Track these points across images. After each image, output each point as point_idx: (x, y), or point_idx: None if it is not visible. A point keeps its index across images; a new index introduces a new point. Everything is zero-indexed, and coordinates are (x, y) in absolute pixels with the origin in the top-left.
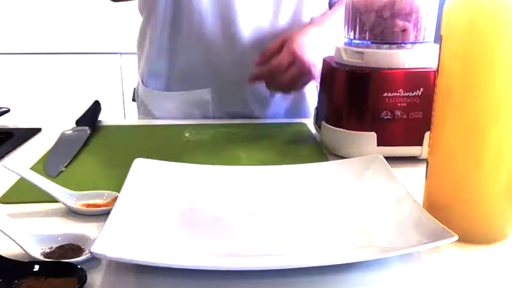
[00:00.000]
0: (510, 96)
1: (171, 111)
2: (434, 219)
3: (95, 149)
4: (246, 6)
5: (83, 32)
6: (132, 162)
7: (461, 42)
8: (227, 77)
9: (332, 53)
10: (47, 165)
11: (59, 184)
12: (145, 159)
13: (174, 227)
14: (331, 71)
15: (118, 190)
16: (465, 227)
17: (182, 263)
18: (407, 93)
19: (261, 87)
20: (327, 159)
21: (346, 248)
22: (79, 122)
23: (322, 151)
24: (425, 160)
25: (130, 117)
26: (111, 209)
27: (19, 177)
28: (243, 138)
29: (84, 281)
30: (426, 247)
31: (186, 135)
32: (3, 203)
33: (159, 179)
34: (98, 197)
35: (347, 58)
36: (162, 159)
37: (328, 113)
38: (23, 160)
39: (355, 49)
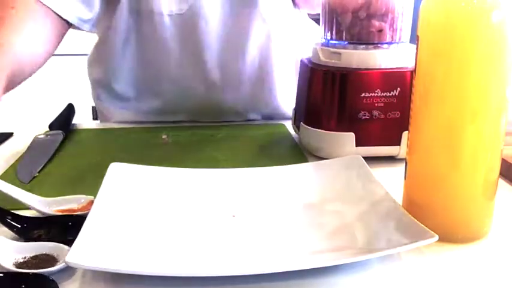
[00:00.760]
0: (485, 96)
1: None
2: (414, 219)
3: (69, 153)
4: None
5: None
6: (107, 166)
7: (437, 42)
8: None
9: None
10: (19, 171)
11: (32, 190)
12: (121, 163)
13: (152, 233)
14: (308, 72)
15: (94, 195)
16: (444, 227)
17: (161, 270)
18: (385, 93)
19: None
20: (306, 160)
21: (327, 250)
22: (52, 126)
23: (301, 152)
24: (404, 160)
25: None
26: (86, 214)
27: None
28: (221, 139)
29: None
30: (407, 248)
31: (163, 137)
32: None
33: (136, 183)
34: (74, 202)
35: (324, 59)
36: (139, 162)
37: (306, 114)
38: None
39: (332, 50)
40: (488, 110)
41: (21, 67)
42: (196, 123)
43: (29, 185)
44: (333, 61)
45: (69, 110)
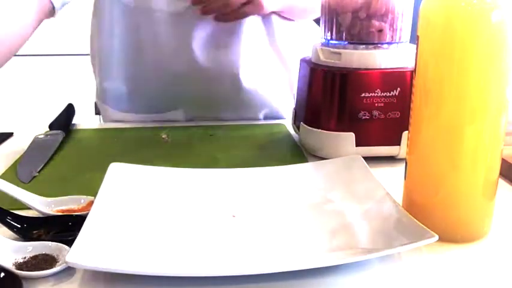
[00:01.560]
0: (485, 96)
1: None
2: (414, 219)
3: (69, 153)
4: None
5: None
6: (107, 166)
7: (437, 42)
8: (194, 99)
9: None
10: (19, 171)
11: (32, 190)
12: (121, 163)
13: (152, 233)
14: (308, 72)
15: (93, 195)
16: (444, 227)
17: (161, 270)
18: (385, 93)
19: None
20: (306, 160)
21: (327, 251)
22: (52, 126)
23: (301, 152)
24: (404, 160)
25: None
26: (86, 214)
27: None
28: (221, 139)
29: None
30: (407, 248)
31: (163, 136)
32: None
33: (136, 183)
34: (74, 202)
35: (324, 59)
36: (139, 162)
37: (306, 114)
38: None
39: (332, 50)
40: (488, 110)
41: None
42: (195, 122)
43: (29, 185)
44: (333, 61)
45: (69, 110)
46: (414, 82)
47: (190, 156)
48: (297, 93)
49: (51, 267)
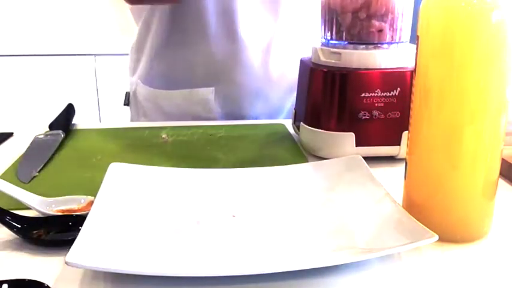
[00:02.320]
0: (485, 96)
1: (171, 111)
2: (415, 219)
3: (69, 153)
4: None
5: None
6: (107, 166)
7: (437, 42)
8: (229, 76)
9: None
10: (19, 171)
11: (32, 190)
12: (121, 163)
13: (152, 233)
14: (308, 72)
15: (94, 195)
16: (444, 227)
17: (161, 270)
18: (385, 93)
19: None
20: (306, 160)
21: (327, 250)
22: (52, 126)
23: (301, 152)
24: (404, 160)
25: (125, 120)
26: (86, 214)
27: None
28: (221, 139)
29: None
30: (407, 248)
31: (163, 136)
32: None
33: (136, 183)
34: (74, 202)
35: (324, 59)
36: (139, 162)
37: (306, 114)
38: None
39: (332, 50)
40: (487, 110)
41: None
42: (196, 122)
43: (29, 185)
44: (333, 61)
45: (69, 110)
46: (414, 82)
47: (190, 156)
48: (297, 93)
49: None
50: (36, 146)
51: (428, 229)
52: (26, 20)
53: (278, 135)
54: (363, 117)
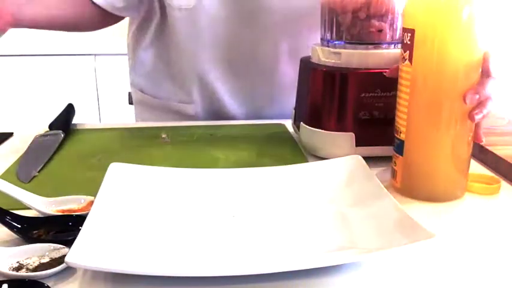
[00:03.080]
0: (459, 77)
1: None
2: (414, 219)
3: (69, 153)
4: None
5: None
6: (107, 166)
7: (420, 31)
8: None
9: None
10: (19, 171)
11: (32, 190)
12: (121, 163)
13: (152, 233)
14: (308, 72)
15: (94, 195)
16: (428, 184)
17: (161, 270)
18: (385, 93)
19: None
20: (306, 160)
21: (327, 250)
22: (52, 126)
23: (301, 152)
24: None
25: (126, 119)
26: (86, 214)
27: None
28: (221, 139)
29: None
30: (406, 248)
31: (163, 136)
32: None
33: (136, 183)
34: (74, 202)
35: (324, 58)
36: (139, 162)
37: (306, 114)
38: None
39: (332, 49)
40: (460, 86)
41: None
42: (196, 122)
43: (29, 185)
44: (333, 61)
45: (69, 110)
46: (400, 66)
47: (190, 156)
48: (297, 93)
49: (52, 268)
50: (36, 146)
51: (427, 229)
52: None
53: (278, 135)
54: (363, 117)
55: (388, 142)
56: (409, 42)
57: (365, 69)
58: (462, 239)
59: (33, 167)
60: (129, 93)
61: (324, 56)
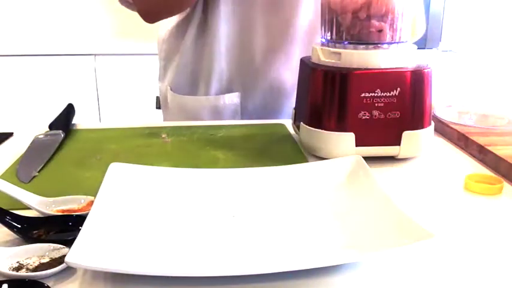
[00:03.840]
0: None
1: (202, 115)
2: (414, 219)
3: (69, 153)
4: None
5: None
6: (107, 166)
7: None
8: (255, 81)
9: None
10: (19, 171)
11: (32, 190)
12: (121, 163)
13: (152, 233)
14: (308, 72)
15: (94, 195)
16: None
17: (161, 270)
18: (385, 93)
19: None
20: (306, 160)
21: (327, 250)
22: (52, 126)
23: (301, 152)
24: (404, 159)
25: (121, 121)
26: (86, 214)
27: None
28: (221, 139)
29: None
30: (407, 248)
31: (163, 136)
32: None
33: (136, 183)
34: (74, 202)
35: (324, 58)
36: (139, 162)
37: (306, 114)
38: None
39: (332, 49)
40: None
41: None
42: (196, 122)
43: (29, 185)
44: (333, 61)
45: (69, 110)
46: None
47: (190, 156)
48: (297, 93)
49: (52, 268)
50: (36, 146)
51: (427, 229)
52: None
53: (278, 135)
54: (363, 117)
55: (388, 142)
56: None
57: (365, 69)
58: (462, 239)
59: (33, 167)
60: (157, 98)
61: (324, 56)
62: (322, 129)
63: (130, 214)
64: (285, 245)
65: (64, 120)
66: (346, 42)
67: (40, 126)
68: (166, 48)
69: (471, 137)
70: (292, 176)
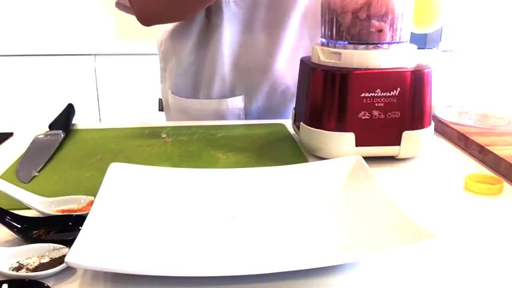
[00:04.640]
0: None
1: (205, 119)
2: (414, 219)
3: (69, 153)
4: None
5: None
6: (107, 166)
7: None
8: (259, 83)
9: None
10: (19, 171)
11: (32, 190)
12: (121, 163)
13: (152, 233)
14: (308, 72)
15: (94, 195)
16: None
17: (161, 270)
18: (385, 93)
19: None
20: (306, 160)
21: (327, 250)
22: (52, 126)
23: (301, 152)
24: (403, 159)
25: (121, 121)
26: (86, 214)
27: None
28: (221, 139)
29: None
30: (406, 248)
31: (163, 136)
32: None
33: (136, 183)
34: (74, 202)
35: (324, 59)
36: (139, 162)
37: (306, 114)
38: None
39: (332, 50)
40: None
41: None
42: (195, 122)
43: (29, 185)
44: (333, 61)
45: (69, 110)
46: None
47: (190, 156)
48: (297, 93)
49: (52, 268)
50: (36, 146)
51: (427, 229)
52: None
53: (278, 135)
54: (363, 117)
55: (388, 142)
56: None
57: (365, 69)
58: (462, 239)
59: (33, 167)
60: (160, 100)
61: (324, 56)
62: (322, 129)
63: (131, 214)
64: (285, 245)
65: (64, 120)
66: (346, 42)
67: (40, 126)
68: (164, 50)
69: (471, 137)
70: (292, 176)
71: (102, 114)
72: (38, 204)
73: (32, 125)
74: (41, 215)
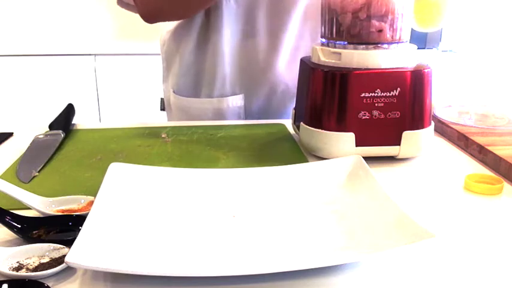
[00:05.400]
0: None
1: (205, 118)
2: (414, 219)
3: (69, 153)
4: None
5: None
6: (107, 166)
7: None
8: (259, 82)
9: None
10: (19, 171)
11: (32, 190)
12: (121, 163)
13: (152, 233)
14: (308, 72)
15: (94, 195)
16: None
17: (161, 270)
18: (385, 93)
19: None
20: (306, 160)
21: (327, 250)
22: (52, 126)
23: (301, 152)
24: (403, 160)
25: (121, 121)
26: (86, 214)
27: None
28: (221, 139)
29: None
30: (407, 248)
31: (163, 136)
32: None
33: (136, 183)
34: (74, 202)
35: (324, 59)
36: (139, 162)
37: (306, 114)
38: None
39: (332, 50)
40: None
41: None
42: (195, 122)
43: (29, 185)
44: (333, 61)
45: (69, 110)
46: None
47: (191, 157)
48: (297, 93)
49: (52, 268)
50: (36, 146)
51: (427, 229)
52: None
53: (278, 135)
54: (363, 117)
55: (388, 142)
56: None
57: (365, 69)
58: (462, 239)
59: (33, 167)
60: (162, 99)
61: (324, 56)
62: (322, 129)
63: (131, 214)
64: (285, 245)
65: (64, 120)
66: (346, 42)
67: (40, 126)
68: (167, 49)
69: (471, 137)
70: (292, 176)
71: (102, 114)
72: (38, 204)
73: (32, 125)
74: (41, 215)
